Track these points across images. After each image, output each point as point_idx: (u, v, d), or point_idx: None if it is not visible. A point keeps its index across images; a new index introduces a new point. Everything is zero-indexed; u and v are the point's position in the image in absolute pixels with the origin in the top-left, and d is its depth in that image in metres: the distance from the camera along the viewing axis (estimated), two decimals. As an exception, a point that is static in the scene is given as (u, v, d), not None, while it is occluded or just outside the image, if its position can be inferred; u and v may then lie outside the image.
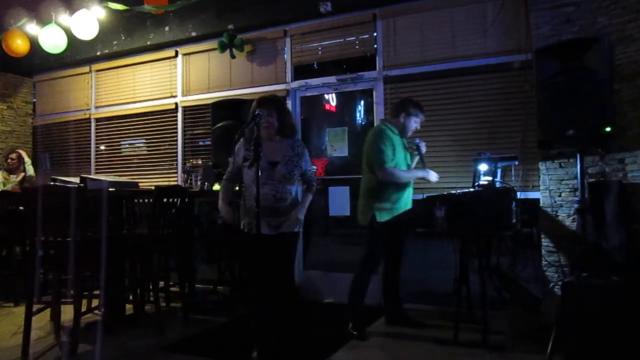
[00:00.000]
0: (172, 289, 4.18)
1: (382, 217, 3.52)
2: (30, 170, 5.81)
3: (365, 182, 3.65)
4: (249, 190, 3.00)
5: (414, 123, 3.68)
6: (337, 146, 5.01)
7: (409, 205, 3.62)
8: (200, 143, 5.58)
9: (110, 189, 4.01)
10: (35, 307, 3.34)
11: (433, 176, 3.64)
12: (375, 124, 4.62)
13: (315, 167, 4.77)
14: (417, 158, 3.79)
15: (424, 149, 3.72)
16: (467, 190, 3.39)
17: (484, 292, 3.19)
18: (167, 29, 5.61)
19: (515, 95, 4.07)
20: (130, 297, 4.01)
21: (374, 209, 3.53)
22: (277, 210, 3.01)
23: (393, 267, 3.79)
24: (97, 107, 6.27)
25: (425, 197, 3.38)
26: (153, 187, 4.26)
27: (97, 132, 6.26)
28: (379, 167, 3.47)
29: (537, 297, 3.77)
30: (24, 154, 5.90)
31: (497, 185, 3.44)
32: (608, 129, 2.91)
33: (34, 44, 5.68)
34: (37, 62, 6.38)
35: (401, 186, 3.57)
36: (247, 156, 2.99)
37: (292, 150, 3.08)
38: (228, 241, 4.64)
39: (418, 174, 3.62)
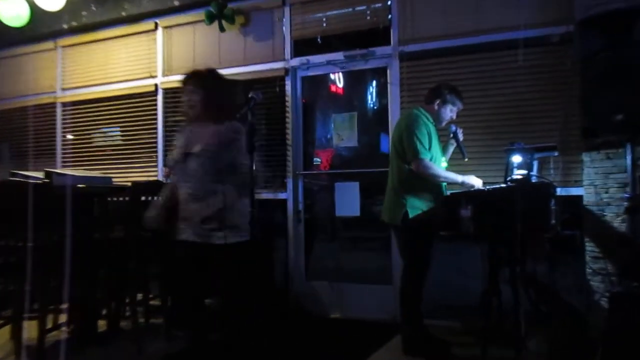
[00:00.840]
0: (152, 302, 4.20)
1: (416, 213, 3.54)
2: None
3: (395, 173, 3.67)
4: (179, 190, 2.94)
5: (450, 112, 3.71)
6: (344, 135, 5.01)
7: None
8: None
9: (80, 185, 4.02)
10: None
11: (477, 182, 3.61)
12: (389, 109, 4.65)
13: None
14: (451, 148, 3.82)
15: (461, 137, 3.76)
16: (497, 186, 3.39)
17: (517, 305, 3.18)
18: (145, -3, 5.63)
19: (553, 74, 4.06)
20: (104, 312, 4.03)
21: (406, 205, 3.55)
22: (200, 215, 2.86)
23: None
24: (63, 90, 6.29)
25: (448, 194, 3.38)
26: (129, 183, 4.27)
27: (64, 119, 6.27)
28: (414, 157, 3.49)
29: (580, 310, 3.77)
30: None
31: (533, 180, 3.43)
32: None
33: (-11, 15, 5.69)
34: (-7, 37, 6.40)
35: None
36: (182, 145, 2.92)
37: (218, 138, 2.90)
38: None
39: (458, 179, 3.58)
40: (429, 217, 3.52)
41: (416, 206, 3.54)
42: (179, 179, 2.95)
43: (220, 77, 3.18)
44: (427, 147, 3.52)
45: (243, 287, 2.95)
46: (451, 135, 3.77)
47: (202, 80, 2.96)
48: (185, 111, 2.91)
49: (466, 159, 3.71)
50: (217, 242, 2.87)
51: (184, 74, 3.02)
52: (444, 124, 3.74)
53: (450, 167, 3.82)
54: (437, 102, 3.68)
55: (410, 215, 3.53)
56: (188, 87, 2.90)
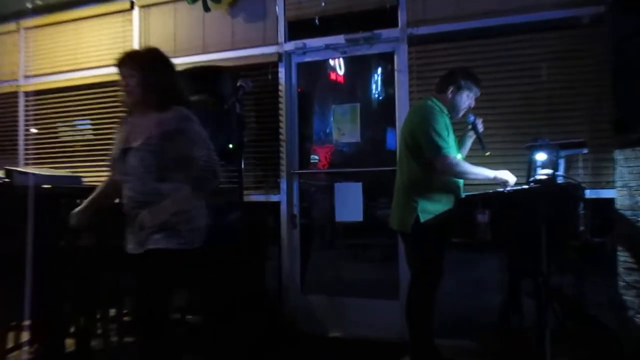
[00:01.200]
0: (126, 318, 4.19)
1: (427, 218, 3.53)
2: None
3: (405, 173, 3.67)
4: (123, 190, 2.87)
5: (467, 99, 3.71)
6: (345, 129, 5.01)
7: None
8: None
9: (45, 186, 4.01)
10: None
11: (510, 178, 3.55)
12: (397, 99, 4.65)
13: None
14: (469, 141, 3.83)
15: (481, 127, 3.76)
16: (518, 187, 3.38)
17: (541, 322, 3.18)
18: (119, -28, 5.62)
19: (582, 61, 4.06)
20: (72, 329, 4.02)
21: (417, 209, 3.54)
22: (142, 222, 2.72)
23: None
24: (27, 77, 6.27)
25: (463, 196, 3.38)
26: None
27: (27, 110, 6.26)
28: (437, 155, 3.45)
29: (611, 327, 3.77)
30: None
31: (559, 180, 3.43)
32: None
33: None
34: (-53, 17, 6.38)
35: (453, 180, 3.60)
36: (121, 139, 2.84)
37: (161, 128, 2.77)
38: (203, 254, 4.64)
39: (489, 175, 3.53)
40: (443, 222, 3.52)
41: (428, 210, 3.54)
42: (121, 179, 2.87)
43: (162, 56, 2.98)
44: (448, 141, 3.52)
45: (157, 303, 2.77)
46: (469, 126, 3.77)
47: (138, 61, 2.80)
48: (122, 99, 2.78)
49: (487, 153, 3.70)
50: (151, 247, 2.75)
51: (121, 57, 2.86)
52: (460, 114, 3.74)
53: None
54: (451, 89, 3.67)
55: (422, 220, 3.52)
56: (123, 70, 2.76)
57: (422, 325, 3.61)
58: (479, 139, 3.75)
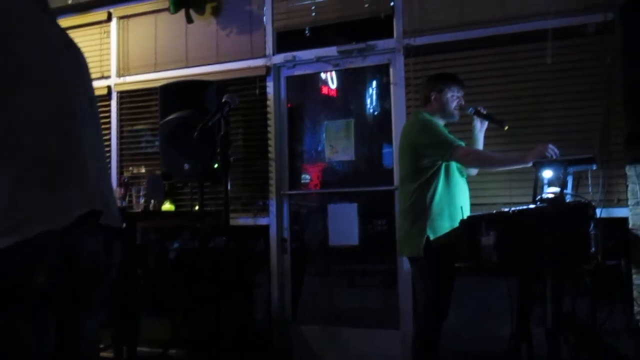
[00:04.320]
0: (103, 353, 4.15)
1: (438, 236, 3.56)
2: None
3: (407, 196, 3.69)
4: None
5: (452, 98, 3.76)
6: (339, 146, 5.01)
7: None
8: (144, 143, 5.57)
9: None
10: None
11: (542, 152, 3.46)
12: (393, 114, 4.66)
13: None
14: (481, 136, 3.84)
15: (485, 110, 3.79)
16: (525, 206, 3.38)
17: (552, 351, 3.17)
18: (96, -19, 5.64)
19: (590, 71, 4.08)
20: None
21: (426, 230, 3.55)
22: None
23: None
24: None
25: (465, 217, 3.37)
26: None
27: None
28: (451, 150, 3.52)
29: (628, 357, 3.76)
30: None
31: (568, 199, 3.43)
32: None
33: None
34: None
35: (458, 195, 3.64)
36: None
37: None
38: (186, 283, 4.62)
39: (523, 159, 3.50)
40: (453, 242, 3.51)
41: (437, 228, 3.56)
42: None
43: None
44: (454, 137, 3.59)
45: None
46: (474, 116, 3.80)
47: None
48: None
49: (506, 127, 3.72)
50: None
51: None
52: (455, 115, 3.79)
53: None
54: (434, 95, 3.75)
55: (432, 238, 3.54)
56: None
57: (430, 358, 3.60)
58: (491, 119, 3.77)
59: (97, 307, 1.80)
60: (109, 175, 1.88)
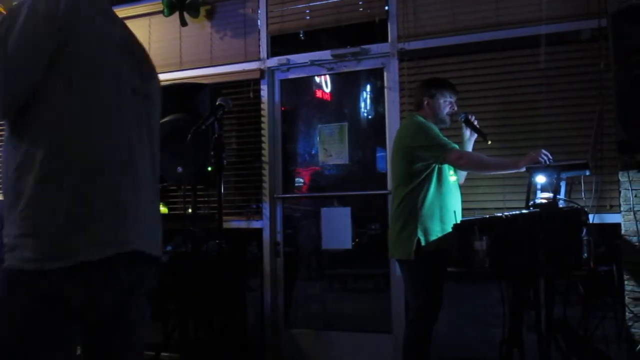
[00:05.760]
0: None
1: (430, 240, 3.57)
2: None
3: (399, 199, 3.70)
4: None
5: (444, 104, 3.79)
6: (332, 150, 5.01)
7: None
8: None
9: None
10: None
11: (536, 158, 3.46)
12: (387, 118, 4.67)
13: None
14: (469, 145, 3.86)
15: (475, 121, 3.83)
16: (518, 212, 3.39)
17: (544, 357, 3.17)
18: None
19: (583, 77, 4.09)
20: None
21: (417, 232, 3.56)
22: None
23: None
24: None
25: (459, 222, 3.38)
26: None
27: None
28: (445, 152, 3.55)
29: (619, 364, 3.76)
30: None
31: (561, 204, 3.44)
32: None
33: None
34: None
35: (450, 198, 3.66)
36: None
37: None
38: (178, 286, 4.60)
39: (516, 164, 3.55)
40: (445, 247, 3.53)
41: (429, 231, 3.58)
42: None
43: None
44: (448, 140, 3.62)
45: None
46: (463, 124, 3.84)
47: None
48: None
49: (489, 142, 3.77)
50: None
51: None
52: (447, 121, 3.82)
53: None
54: (426, 101, 3.79)
55: (424, 243, 3.54)
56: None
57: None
58: (477, 131, 3.80)
59: (137, 312, 1.97)
60: (158, 203, 1.91)
